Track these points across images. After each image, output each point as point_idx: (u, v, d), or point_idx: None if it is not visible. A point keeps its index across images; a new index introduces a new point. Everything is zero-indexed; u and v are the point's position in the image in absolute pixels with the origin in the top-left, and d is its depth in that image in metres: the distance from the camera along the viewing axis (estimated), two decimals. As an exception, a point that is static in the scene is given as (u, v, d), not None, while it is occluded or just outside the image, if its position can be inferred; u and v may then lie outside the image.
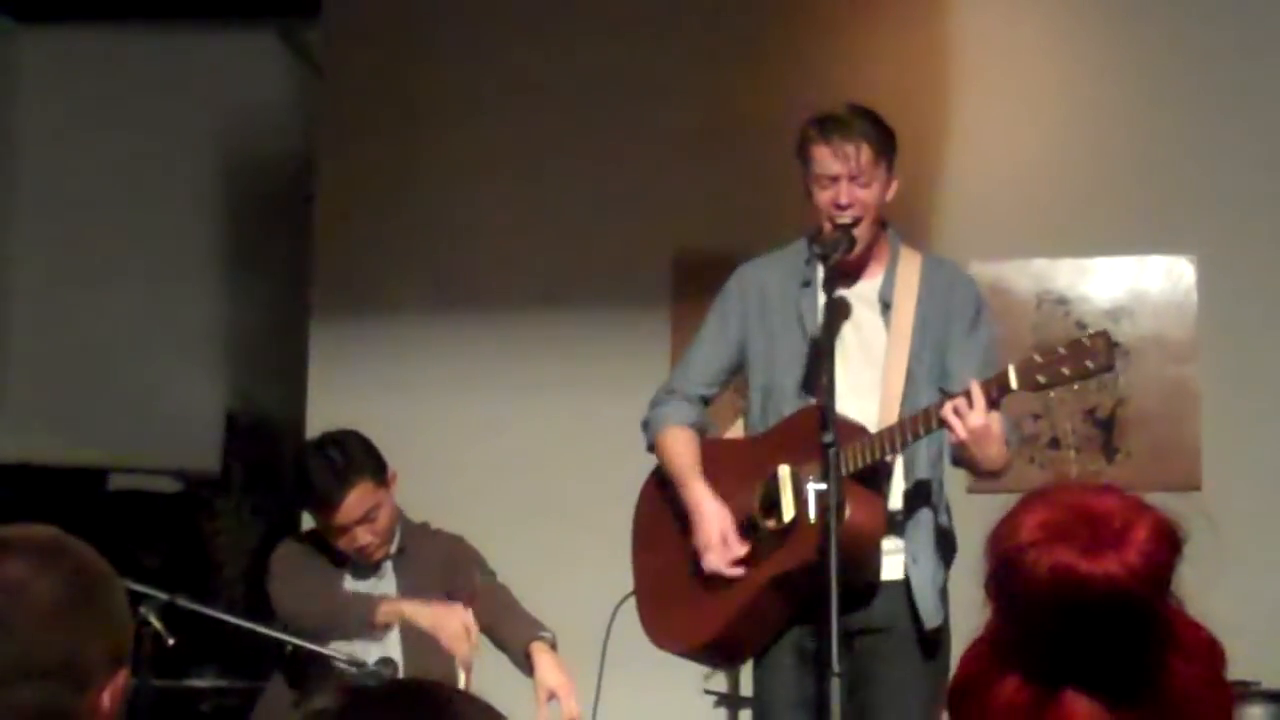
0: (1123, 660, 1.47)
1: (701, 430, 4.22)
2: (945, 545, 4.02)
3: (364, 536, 4.23)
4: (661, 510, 4.27)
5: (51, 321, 7.79)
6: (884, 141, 3.99)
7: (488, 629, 4.19)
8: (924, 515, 3.99)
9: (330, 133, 6.68)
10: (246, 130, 7.76)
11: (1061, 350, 3.59)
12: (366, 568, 4.34)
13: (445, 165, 6.48)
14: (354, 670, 4.03)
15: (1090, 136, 6.10)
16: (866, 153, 3.94)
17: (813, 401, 3.94)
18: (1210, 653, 1.52)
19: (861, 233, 3.95)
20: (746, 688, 5.39)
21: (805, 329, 4.02)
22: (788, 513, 3.92)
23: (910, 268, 4.02)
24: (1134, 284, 6.01)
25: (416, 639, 4.25)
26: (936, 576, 3.97)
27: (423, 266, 6.45)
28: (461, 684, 4.07)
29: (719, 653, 4.25)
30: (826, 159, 3.95)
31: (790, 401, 4.04)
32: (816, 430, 3.77)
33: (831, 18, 6.31)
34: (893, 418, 3.89)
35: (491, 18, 6.54)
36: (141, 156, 7.77)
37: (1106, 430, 5.94)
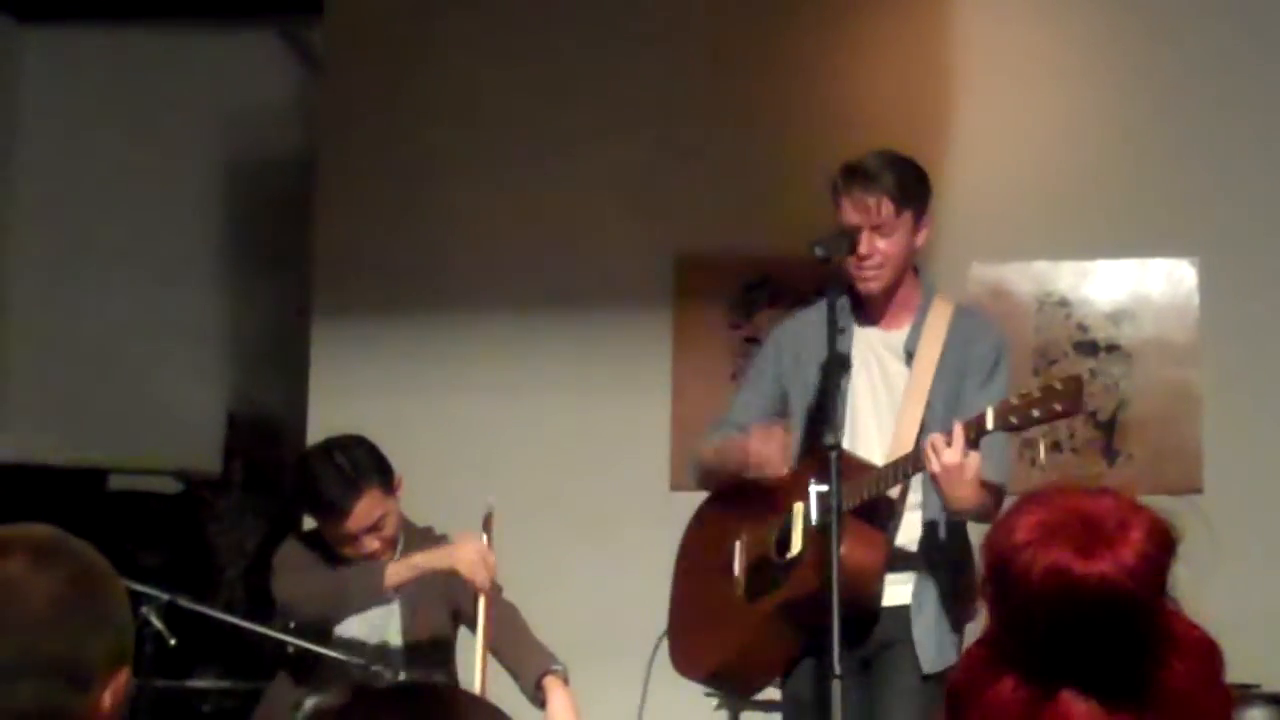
0: (1119, 660, 1.48)
1: None
2: (961, 601, 4.04)
3: (371, 544, 4.22)
4: (694, 542, 4.41)
5: (52, 321, 7.79)
6: (907, 192, 4.09)
7: (497, 651, 4.17)
8: (937, 564, 4.05)
9: (332, 132, 6.68)
10: (248, 130, 7.76)
11: (1035, 393, 3.71)
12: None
13: (447, 165, 6.49)
14: (357, 669, 4.04)
15: (1092, 139, 6.10)
16: (887, 206, 4.05)
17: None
18: (1208, 653, 1.52)
19: (880, 280, 4.09)
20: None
21: (835, 377, 4.08)
22: (796, 546, 4.02)
23: (939, 318, 4.13)
24: (1136, 286, 6.01)
25: (415, 601, 4.25)
26: (940, 629, 4.03)
27: (424, 267, 6.45)
28: (481, 611, 4.06)
29: (729, 680, 4.37)
30: (848, 210, 4.09)
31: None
32: (831, 468, 3.89)
33: (833, 20, 6.32)
34: None
35: (493, 18, 6.54)
36: (143, 156, 7.77)
37: (1108, 433, 5.94)
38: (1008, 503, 1.63)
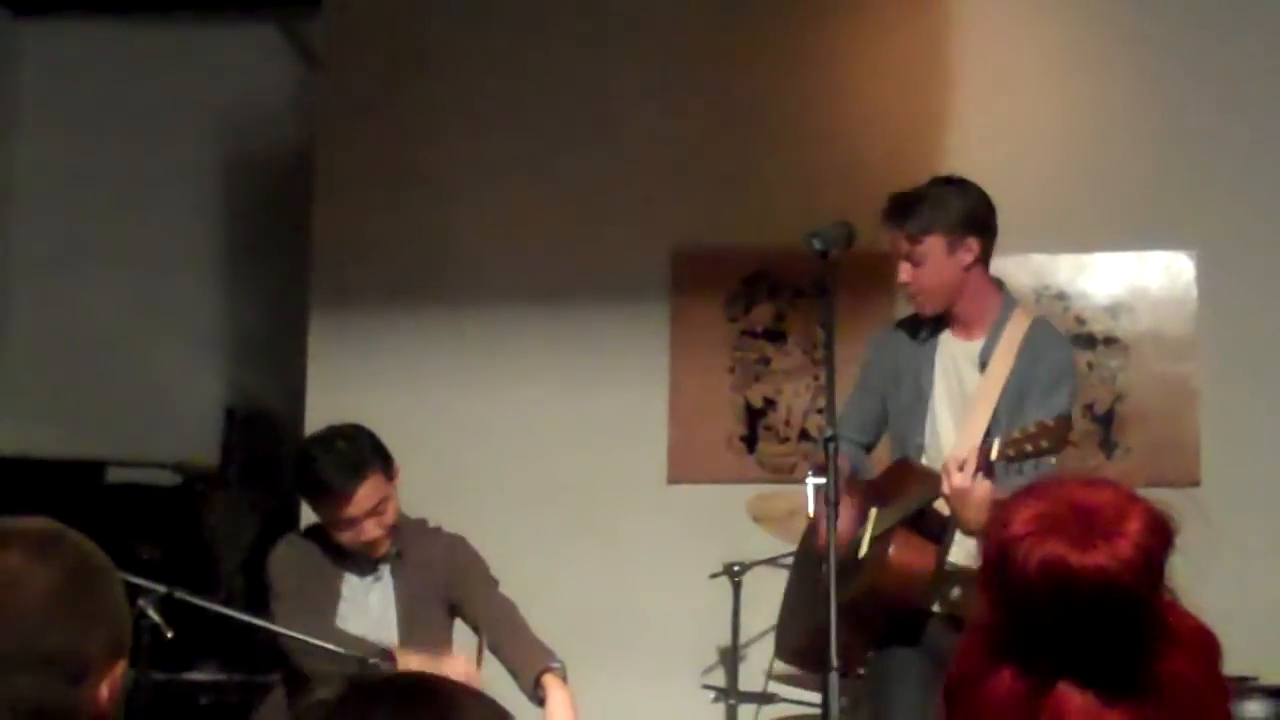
0: (1116, 652, 1.48)
1: (857, 469, 4.51)
2: None
3: (372, 530, 4.23)
4: (810, 536, 4.57)
5: (50, 315, 7.79)
6: (927, 222, 4.27)
7: (495, 648, 4.17)
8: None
9: (330, 127, 6.67)
10: (246, 124, 7.75)
11: (1031, 429, 3.91)
12: (367, 566, 4.34)
13: (445, 160, 6.48)
14: (355, 663, 4.04)
15: (1090, 132, 6.10)
16: (907, 239, 4.27)
17: (917, 441, 4.35)
18: (1205, 644, 1.52)
19: (929, 303, 4.33)
20: (744, 683, 5.42)
21: (920, 385, 4.37)
22: (863, 550, 4.29)
23: (1016, 330, 4.32)
24: (1133, 279, 6.01)
25: (412, 597, 4.26)
26: None
27: (422, 261, 6.45)
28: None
29: (806, 661, 4.55)
30: (887, 240, 4.34)
31: (917, 453, 4.38)
32: (904, 478, 4.26)
33: (831, 15, 6.31)
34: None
35: (491, 15, 6.54)
36: (141, 150, 7.76)
37: (1105, 426, 5.94)
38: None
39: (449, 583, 4.29)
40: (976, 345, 4.33)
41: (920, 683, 4.16)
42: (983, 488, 3.93)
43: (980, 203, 4.33)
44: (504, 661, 4.17)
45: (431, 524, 4.46)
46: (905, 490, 4.22)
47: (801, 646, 4.46)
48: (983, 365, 4.29)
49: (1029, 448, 3.88)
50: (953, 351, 4.35)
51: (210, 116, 7.77)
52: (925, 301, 4.33)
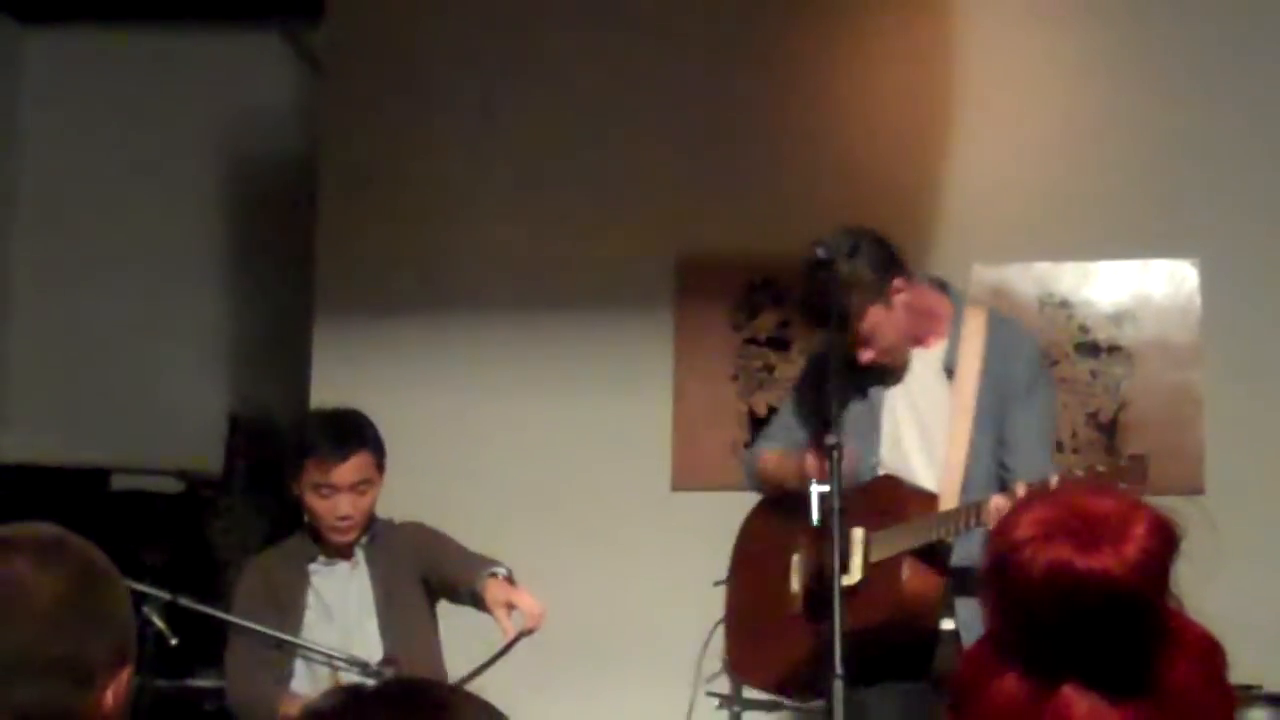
0: (1121, 655, 1.48)
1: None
2: None
3: (345, 507, 4.23)
4: (753, 546, 4.48)
5: (54, 322, 7.80)
6: (861, 299, 4.11)
7: (439, 579, 4.22)
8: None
9: (333, 133, 6.68)
10: (249, 131, 7.76)
11: (1100, 468, 3.81)
12: (336, 554, 4.31)
13: (447, 165, 6.49)
14: (355, 670, 4.04)
15: (1093, 140, 6.09)
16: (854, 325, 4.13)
17: (881, 473, 4.20)
18: (1210, 650, 1.52)
19: (901, 355, 4.20)
20: (749, 690, 5.41)
21: (871, 405, 4.24)
22: (856, 574, 4.10)
23: (974, 330, 4.20)
24: (1137, 288, 6.01)
25: (390, 606, 4.26)
26: None
27: (425, 267, 6.45)
28: None
29: (795, 690, 4.45)
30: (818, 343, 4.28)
31: (870, 471, 4.24)
32: (891, 498, 4.09)
33: (835, 21, 6.31)
34: (954, 486, 4.10)
35: (493, 20, 6.54)
36: (144, 157, 7.77)
37: (1109, 434, 5.94)
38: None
39: (416, 561, 4.29)
40: (936, 353, 4.23)
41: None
42: None
43: (868, 242, 4.17)
44: (448, 588, 4.21)
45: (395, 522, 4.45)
46: (900, 512, 4.08)
47: (793, 679, 4.32)
48: (949, 372, 4.19)
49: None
50: (910, 364, 4.24)
51: (213, 123, 7.78)
52: (896, 357, 4.21)
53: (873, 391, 4.24)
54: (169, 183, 7.76)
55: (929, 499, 4.08)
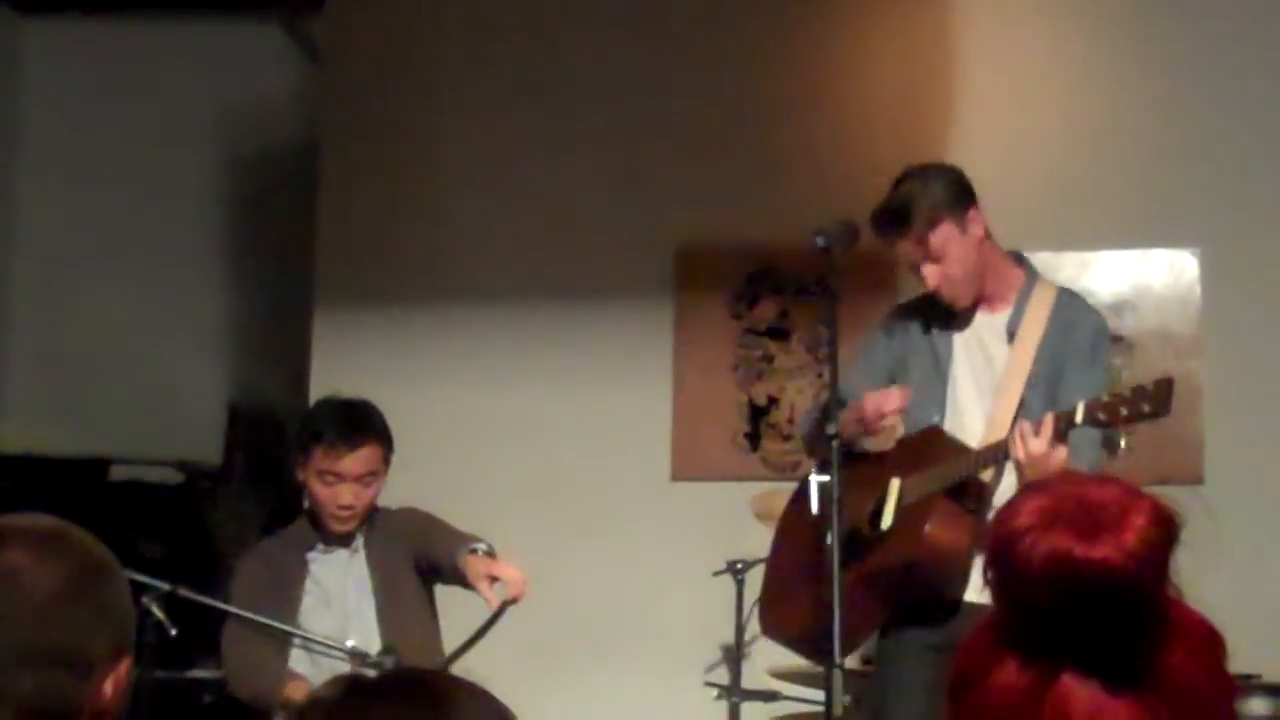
0: (1121, 644, 1.48)
1: None
2: None
3: (348, 497, 4.24)
4: (794, 512, 4.43)
5: (54, 312, 7.79)
6: (928, 213, 4.14)
7: (427, 561, 4.22)
8: None
9: (333, 125, 6.68)
10: (249, 122, 7.76)
11: (1126, 393, 3.77)
12: (336, 541, 4.32)
13: (448, 157, 6.49)
14: (356, 660, 4.04)
15: (1094, 130, 6.09)
16: (916, 243, 4.15)
17: (934, 420, 4.17)
18: (1209, 639, 1.52)
19: (964, 294, 4.18)
20: (747, 681, 5.41)
21: (938, 362, 4.22)
22: (887, 521, 4.11)
23: (1042, 301, 4.19)
24: (1137, 278, 6.01)
25: (388, 590, 4.26)
26: None
27: (425, 258, 6.45)
28: None
29: (810, 644, 4.37)
30: (896, 257, 4.28)
31: (927, 423, 4.23)
32: (930, 447, 4.06)
33: (835, 12, 6.31)
34: (998, 440, 4.03)
35: (494, 12, 6.54)
36: (144, 148, 7.76)
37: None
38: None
39: (408, 545, 4.30)
40: (1002, 318, 4.21)
41: (923, 684, 3.99)
42: (1059, 454, 3.79)
43: (956, 173, 4.25)
44: (430, 564, 4.21)
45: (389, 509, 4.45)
46: (938, 459, 4.05)
47: (810, 630, 4.24)
48: (1010, 336, 4.17)
49: (1125, 411, 3.73)
50: (975, 326, 4.22)
51: (213, 114, 7.78)
52: (960, 294, 4.19)
53: (940, 343, 4.23)
54: (169, 173, 7.76)
55: (959, 449, 4.06)
